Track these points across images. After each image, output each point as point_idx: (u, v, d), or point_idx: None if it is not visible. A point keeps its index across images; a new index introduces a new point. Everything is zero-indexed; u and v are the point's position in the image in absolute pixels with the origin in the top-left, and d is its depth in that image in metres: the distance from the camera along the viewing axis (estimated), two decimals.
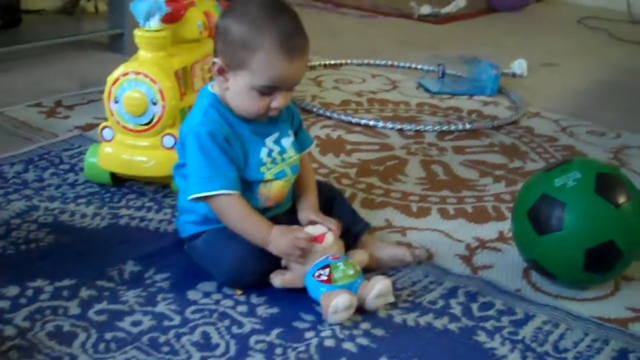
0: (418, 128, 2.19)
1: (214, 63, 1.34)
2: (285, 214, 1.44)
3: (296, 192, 1.46)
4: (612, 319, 1.35)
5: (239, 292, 1.35)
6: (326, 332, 1.25)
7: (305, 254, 1.31)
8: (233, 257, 1.32)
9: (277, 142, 1.41)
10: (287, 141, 1.43)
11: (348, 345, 1.23)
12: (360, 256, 1.41)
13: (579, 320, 1.33)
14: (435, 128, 2.20)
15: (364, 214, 1.62)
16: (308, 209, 1.43)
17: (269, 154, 1.39)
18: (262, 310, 1.30)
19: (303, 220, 1.41)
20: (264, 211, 1.38)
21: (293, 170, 1.43)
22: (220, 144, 1.32)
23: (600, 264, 1.37)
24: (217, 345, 1.21)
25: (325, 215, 1.41)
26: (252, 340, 1.23)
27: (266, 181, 1.38)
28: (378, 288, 1.29)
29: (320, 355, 1.20)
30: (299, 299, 1.33)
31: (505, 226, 1.65)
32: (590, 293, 1.43)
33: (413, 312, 1.32)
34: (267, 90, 1.32)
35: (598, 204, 1.35)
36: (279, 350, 1.21)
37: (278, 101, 1.33)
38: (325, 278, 1.29)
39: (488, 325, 1.30)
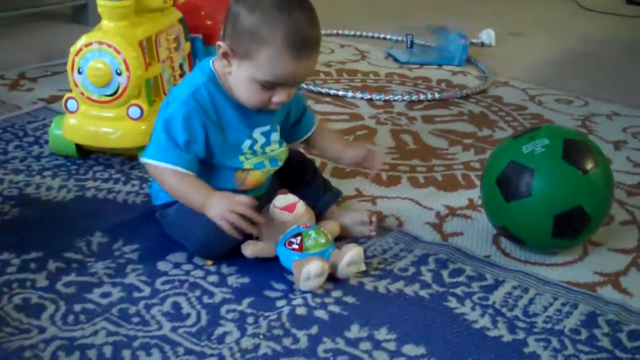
0: (387, 98, 2.19)
1: (219, 46, 1.29)
2: (265, 195, 1.42)
3: (326, 151, 1.53)
4: (580, 283, 1.37)
5: (209, 262, 1.34)
6: (298, 301, 1.25)
7: (246, 224, 1.28)
8: (205, 227, 1.30)
9: (265, 134, 1.37)
10: (275, 135, 1.39)
11: (320, 313, 1.23)
12: (331, 226, 1.40)
13: (548, 285, 1.34)
14: (405, 98, 2.20)
15: (335, 183, 1.61)
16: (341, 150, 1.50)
17: (251, 146, 1.36)
18: (232, 280, 1.30)
19: (346, 158, 1.50)
20: (238, 193, 1.35)
21: (272, 163, 1.40)
22: (192, 129, 1.29)
23: (568, 229, 1.38)
24: (188, 315, 1.20)
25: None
26: (224, 309, 1.22)
27: (244, 169, 1.36)
28: (350, 255, 1.29)
29: (292, 323, 1.20)
30: (270, 269, 1.32)
31: (475, 194, 1.66)
32: (559, 258, 1.44)
33: (384, 280, 1.32)
34: (269, 85, 1.28)
35: (566, 170, 1.35)
36: (250, 319, 1.20)
37: (280, 96, 1.29)
38: (296, 246, 1.29)
39: (458, 291, 1.31)
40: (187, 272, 1.31)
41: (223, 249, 1.33)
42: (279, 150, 1.40)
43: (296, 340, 1.17)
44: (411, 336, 1.18)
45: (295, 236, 1.30)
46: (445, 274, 1.35)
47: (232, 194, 1.30)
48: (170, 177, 1.30)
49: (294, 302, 1.25)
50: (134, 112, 1.62)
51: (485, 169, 1.48)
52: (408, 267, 1.36)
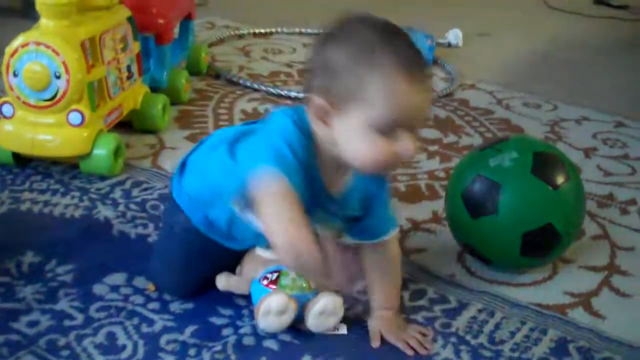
0: None
1: (311, 105, 1.00)
2: None
3: (369, 282, 1.20)
4: (550, 305, 1.29)
5: (151, 287, 1.23)
6: (245, 329, 1.15)
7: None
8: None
9: (321, 221, 1.10)
10: (335, 224, 1.15)
11: (269, 343, 1.13)
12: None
13: (515, 308, 1.26)
14: None
15: None
16: (381, 314, 1.18)
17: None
18: (175, 306, 1.19)
19: (374, 328, 1.16)
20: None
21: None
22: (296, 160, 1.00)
23: (537, 248, 1.30)
24: (124, 347, 1.09)
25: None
26: (163, 340, 1.12)
27: None
28: (323, 303, 1.12)
29: (238, 355, 1.10)
30: (216, 293, 1.22)
31: (439, 205, 1.56)
32: (527, 277, 1.36)
33: None
34: (388, 127, 0.98)
35: (535, 185, 1.27)
36: (192, 351, 1.10)
37: (406, 143, 0.99)
38: (269, 282, 1.14)
39: (419, 317, 1.22)
40: (126, 298, 1.20)
41: (192, 289, 1.20)
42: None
43: None
44: None
45: (272, 272, 1.15)
46: (406, 295, 1.26)
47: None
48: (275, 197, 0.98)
49: (241, 331, 1.15)
50: (75, 118, 1.50)
51: (450, 182, 1.39)
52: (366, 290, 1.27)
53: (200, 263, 1.19)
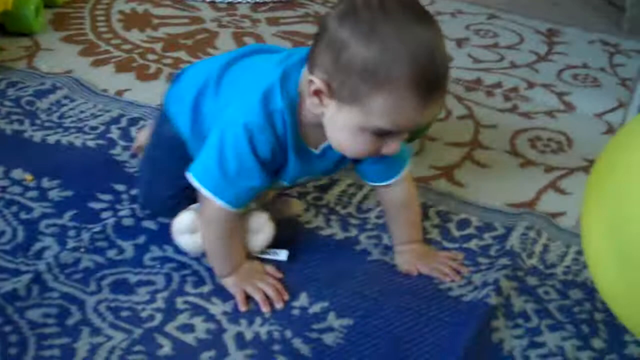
0: (231, 0, 2.10)
1: (310, 81, 0.95)
2: None
3: (389, 220, 1.18)
4: (415, 177, 1.37)
5: (29, 177, 1.25)
6: (125, 212, 1.19)
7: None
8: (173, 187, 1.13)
9: (315, 177, 1.18)
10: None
11: (148, 223, 1.18)
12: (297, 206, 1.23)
13: None
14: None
15: None
16: (409, 248, 1.16)
17: (292, 182, 1.11)
18: (54, 194, 1.22)
19: (405, 262, 1.15)
20: None
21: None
22: (261, 158, 1.01)
23: None
24: (3, 233, 1.12)
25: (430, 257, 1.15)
26: (43, 224, 1.15)
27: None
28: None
29: (117, 234, 1.15)
30: (95, 180, 1.25)
31: None
32: None
33: None
34: (383, 134, 0.96)
35: None
36: (72, 233, 1.14)
37: (391, 146, 0.97)
38: None
39: (294, 192, 1.29)
40: (4, 189, 1.22)
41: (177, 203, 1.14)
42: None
43: (121, 251, 1.12)
44: None
45: None
46: None
47: (257, 270, 1.08)
48: (217, 222, 1.04)
49: (121, 213, 1.19)
50: None
51: None
52: None
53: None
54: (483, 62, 1.92)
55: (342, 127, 0.96)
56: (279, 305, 1.04)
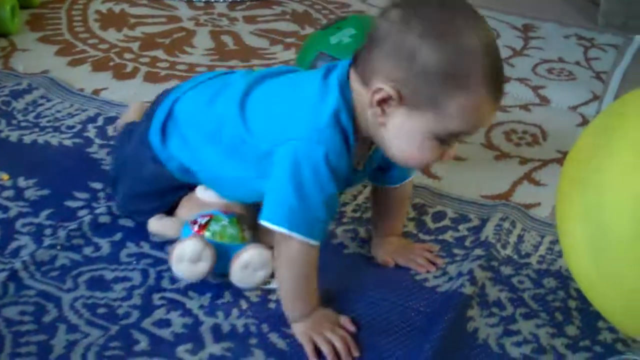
0: None
1: (378, 89, 0.91)
2: None
3: (377, 214, 1.18)
4: None
5: (4, 176, 1.25)
6: (101, 209, 1.19)
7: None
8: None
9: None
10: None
11: (125, 221, 1.18)
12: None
13: None
14: None
15: (148, 88, 1.55)
16: (387, 240, 1.16)
17: None
18: (30, 193, 1.22)
19: (383, 253, 1.15)
20: None
21: None
22: (335, 173, 0.95)
23: None
24: None
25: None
26: (19, 223, 1.15)
27: None
28: (247, 256, 1.03)
29: (94, 232, 1.15)
30: (72, 178, 1.25)
31: None
32: None
33: None
34: (448, 138, 0.94)
35: None
36: (48, 231, 1.14)
37: (450, 153, 0.96)
38: (197, 228, 1.05)
39: None
40: None
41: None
42: None
43: (98, 248, 1.12)
44: None
45: (205, 216, 1.07)
46: None
47: (330, 316, 1.02)
48: (299, 260, 0.98)
49: (97, 211, 1.19)
50: None
51: (295, 62, 1.45)
52: None
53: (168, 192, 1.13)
54: None
55: (410, 135, 0.93)
56: None
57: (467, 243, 1.20)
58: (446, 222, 1.25)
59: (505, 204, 1.29)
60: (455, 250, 1.18)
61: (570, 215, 0.96)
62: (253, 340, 0.99)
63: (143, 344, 0.97)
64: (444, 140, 0.93)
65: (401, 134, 0.94)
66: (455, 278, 1.11)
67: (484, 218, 1.26)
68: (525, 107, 1.68)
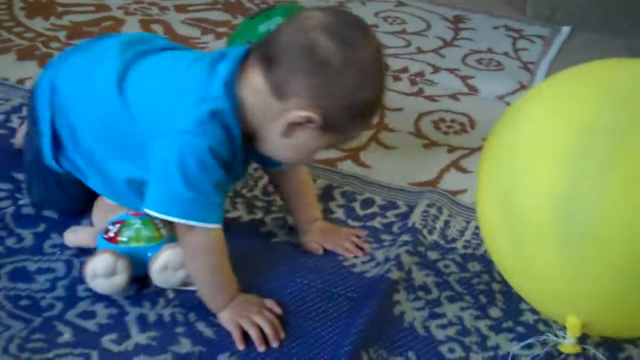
0: None
1: (303, 116, 0.94)
2: None
3: (289, 205, 1.18)
4: (321, 160, 1.39)
5: None
6: (24, 200, 1.17)
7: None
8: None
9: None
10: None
11: (49, 212, 1.15)
12: None
13: None
14: None
15: None
16: (311, 227, 1.16)
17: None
18: None
19: (310, 240, 1.15)
20: None
21: None
22: (221, 162, 0.96)
23: None
24: None
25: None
26: None
27: None
28: (165, 256, 1.01)
29: (17, 223, 1.12)
30: None
31: None
32: None
33: None
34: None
35: None
36: None
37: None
38: (112, 235, 1.03)
39: None
40: None
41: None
42: None
43: (20, 239, 1.10)
44: None
45: (115, 223, 1.04)
46: None
47: (254, 299, 1.01)
48: (205, 249, 0.98)
49: (21, 202, 1.16)
50: None
51: None
52: None
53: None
54: (390, 47, 1.94)
55: (300, 146, 0.98)
56: (275, 344, 0.96)
57: (394, 229, 1.21)
58: (374, 209, 1.26)
59: (432, 191, 1.31)
60: (383, 236, 1.20)
61: (487, 199, 0.99)
62: (180, 329, 0.98)
63: (67, 335, 0.96)
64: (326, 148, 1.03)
65: (295, 145, 0.98)
66: (382, 263, 1.12)
67: (411, 205, 1.27)
68: (454, 97, 1.70)
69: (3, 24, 1.77)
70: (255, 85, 0.96)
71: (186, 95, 0.96)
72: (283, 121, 0.95)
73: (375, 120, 1.06)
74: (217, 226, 0.97)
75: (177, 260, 1.00)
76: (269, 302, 1.02)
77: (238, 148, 0.99)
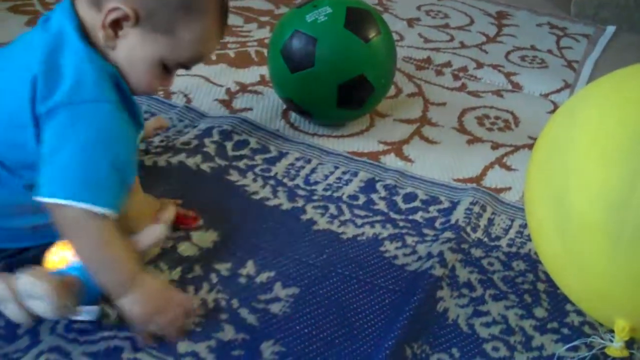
0: None
1: (113, 8, 0.88)
2: None
3: None
4: (364, 152, 1.39)
5: None
6: None
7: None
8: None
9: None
10: None
11: None
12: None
13: (330, 156, 1.35)
14: None
15: None
16: None
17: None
18: None
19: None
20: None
21: None
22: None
23: (353, 98, 1.38)
24: None
25: None
26: None
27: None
28: (21, 285, 0.86)
29: None
30: None
31: (267, 71, 1.62)
32: (345, 130, 1.45)
33: (165, 154, 1.27)
34: (177, 68, 0.95)
35: (348, 39, 1.34)
36: None
37: (170, 81, 0.97)
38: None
39: (241, 164, 1.28)
40: None
41: None
42: None
43: None
44: (190, 207, 1.14)
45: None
46: (229, 146, 1.32)
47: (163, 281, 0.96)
48: (96, 230, 0.87)
49: None
50: None
51: (271, 40, 1.44)
52: (191, 141, 1.31)
53: None
54: (433, 41, 1.93)
55: (141, 59, 0.91)
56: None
57: (437, 224, 1.20)
58: (417, 203, 1.25)
59: (476, 189, 1.29)
60: (425, 231, 1.18)
61: (537, 198, 0.97)
62: (223, 315, 0.98)
63: (112, 317, 0.95)
64: (170, 69, 0.94)
65: (133, 61, 0.91)
66: (424, 258, 1.11)
67: (454, 201, 1.26)
68: (497, 93, 1.68)
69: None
70: (83, 6, 0.91)
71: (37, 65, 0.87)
72: (103, 27, 0.89)
73: (225, 28, 0.98)
74: (104, 211, 0.86)
75: (32, 289, 0.86)
76: (186, 299, 0.95)
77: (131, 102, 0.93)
